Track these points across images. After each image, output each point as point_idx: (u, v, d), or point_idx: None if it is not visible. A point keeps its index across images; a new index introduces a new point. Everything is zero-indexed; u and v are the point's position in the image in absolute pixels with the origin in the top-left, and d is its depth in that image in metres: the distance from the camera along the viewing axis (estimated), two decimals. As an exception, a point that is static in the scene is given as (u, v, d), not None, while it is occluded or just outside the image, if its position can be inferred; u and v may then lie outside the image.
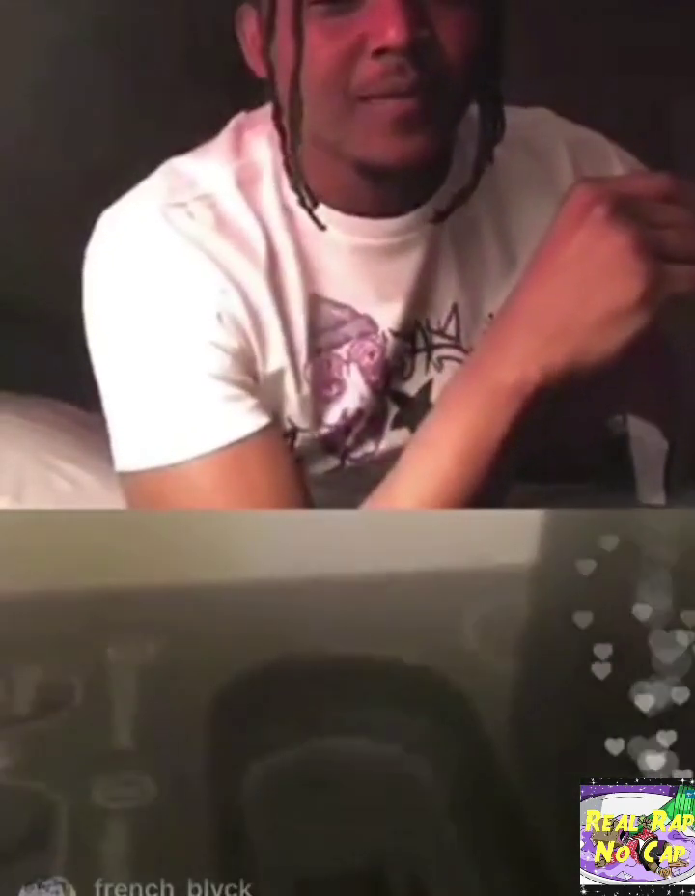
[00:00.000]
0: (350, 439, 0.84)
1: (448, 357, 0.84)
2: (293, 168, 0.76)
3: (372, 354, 0.82)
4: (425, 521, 0.80)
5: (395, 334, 0.82)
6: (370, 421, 0.84)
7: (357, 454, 0.85)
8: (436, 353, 0.84)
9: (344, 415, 0.82)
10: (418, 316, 0.83)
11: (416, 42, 0.67)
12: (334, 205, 0.78)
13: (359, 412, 0.83)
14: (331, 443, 0.84)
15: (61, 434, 1.19)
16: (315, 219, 0.77)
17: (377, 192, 0.77)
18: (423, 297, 0.82)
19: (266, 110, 0.78)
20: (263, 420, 0.76)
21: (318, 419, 0.82)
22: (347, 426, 0.83)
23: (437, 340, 0.84)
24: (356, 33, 0.68)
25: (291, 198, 0.78)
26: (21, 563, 0.96)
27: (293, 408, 0.81)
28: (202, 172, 0.79)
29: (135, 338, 0.76)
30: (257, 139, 0.80)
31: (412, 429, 0.84)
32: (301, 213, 0.78)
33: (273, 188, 0.79)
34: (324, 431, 0.83)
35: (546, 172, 0.85)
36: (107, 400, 0.79)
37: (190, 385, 0.75)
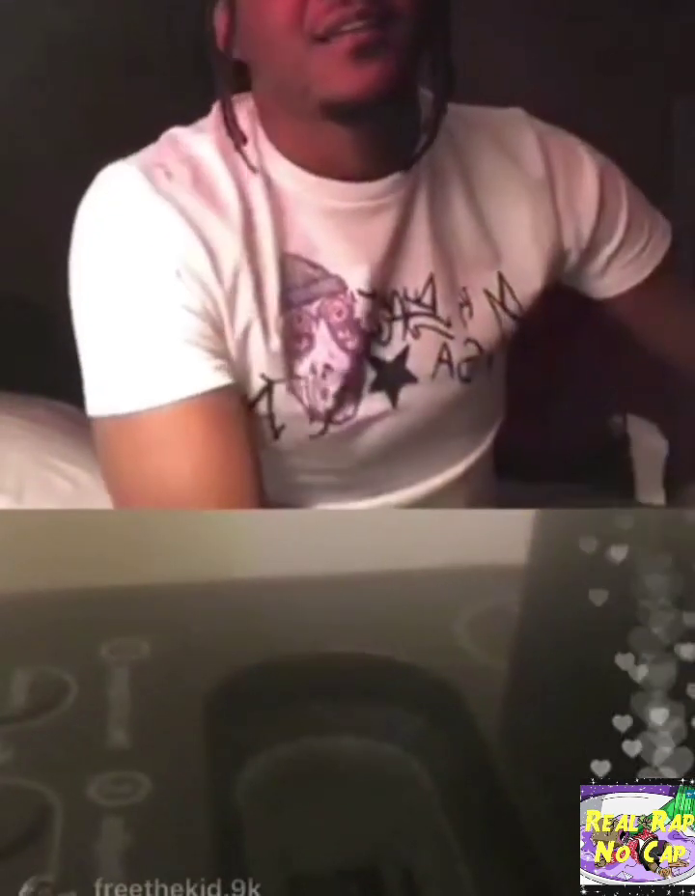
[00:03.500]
0: (330, 401, 0.85)
1: (424, 325, 0.87)
2: (227, 110, 0.80)
3: (339, 313, 0.84)
4: (422, 521, 0.80)
5: (364, 295, 0.84)
6: (348, 382, 0.85)
7: (339, 417, 0.86)
8: (413, 321, 0.87)
9: (313, 368, 0.84)
10: (395, 284, 0.86)
11: None
12: (311, 168, 0.81)
13: (327, 367, 0.85)
14: (313, 410, 0.85)
15: (61, 435, 1.19)
16: (246, 160, 0.81)
17: (352, 150, 0.80)
18: (395, 263, 0.85)
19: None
20: (221, 381, 0.78)
21: (289, 370, 0.84)
22: (319, 383, 0.85)
23: (414, 308, 0.87)
24: None
25: (270, 163, 0.81)
26: (21, 563, 0.96)
27: (263, 362, 0.82)
28: (190, 138, 0.83)
29: (102, 289, 0.79)
30: (240, 111, 0.83)
31: (389, 393, 0.87)
32: (279, 177, 0.81)
33: (253, 154, 0.82)
34: (296, 381, 0.84)
35: (516, 161, 0.89)
36: (80, 346, 0.81)
37: (149, 337, 0.77)
